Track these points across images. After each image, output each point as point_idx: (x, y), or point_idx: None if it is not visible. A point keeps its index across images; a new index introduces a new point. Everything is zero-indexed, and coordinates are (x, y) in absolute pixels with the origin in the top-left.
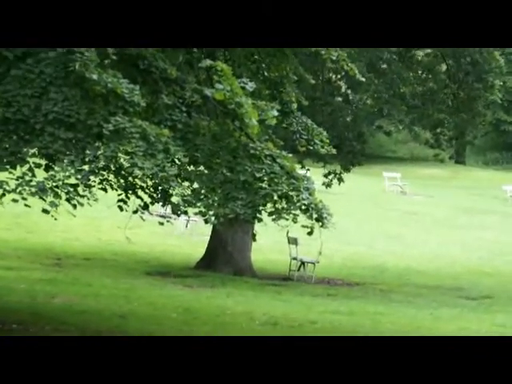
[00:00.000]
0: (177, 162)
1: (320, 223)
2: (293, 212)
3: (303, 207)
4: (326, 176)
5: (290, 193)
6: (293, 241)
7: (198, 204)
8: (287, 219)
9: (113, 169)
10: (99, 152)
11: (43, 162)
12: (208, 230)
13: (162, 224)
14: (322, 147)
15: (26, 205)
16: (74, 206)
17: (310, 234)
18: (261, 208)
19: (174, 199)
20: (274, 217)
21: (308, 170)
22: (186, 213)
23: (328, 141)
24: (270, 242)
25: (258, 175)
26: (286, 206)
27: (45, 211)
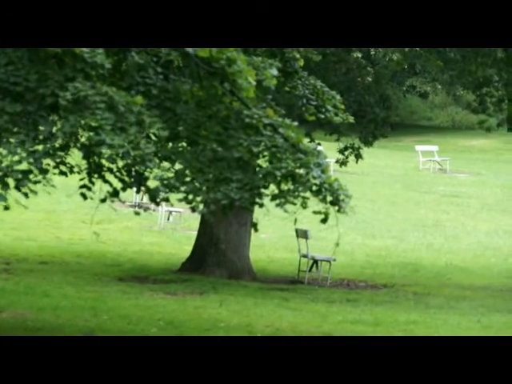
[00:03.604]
0: (153, 137)
1: (336, 207)
2: (301, 194)
3: (314, 188)
4: (341, 152)
5: (298, 170)
6: (302, 234)
7: (182, 188)
8: (295, 204)
9: (73, 148)
10: (55, 128)
11: None
12: (196, 223)
13: (138, 214)
14: (336, 115)
15: None
16: (26, 195)
17: (324, 221)
18: (261, 191)
19: (152, 183)
20: (278, 201)
21: (319, 144)
22: (166, 200)
23: (343, 107)
24: (274, 236)
25: (255, 150)
26: (292, 187)
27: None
